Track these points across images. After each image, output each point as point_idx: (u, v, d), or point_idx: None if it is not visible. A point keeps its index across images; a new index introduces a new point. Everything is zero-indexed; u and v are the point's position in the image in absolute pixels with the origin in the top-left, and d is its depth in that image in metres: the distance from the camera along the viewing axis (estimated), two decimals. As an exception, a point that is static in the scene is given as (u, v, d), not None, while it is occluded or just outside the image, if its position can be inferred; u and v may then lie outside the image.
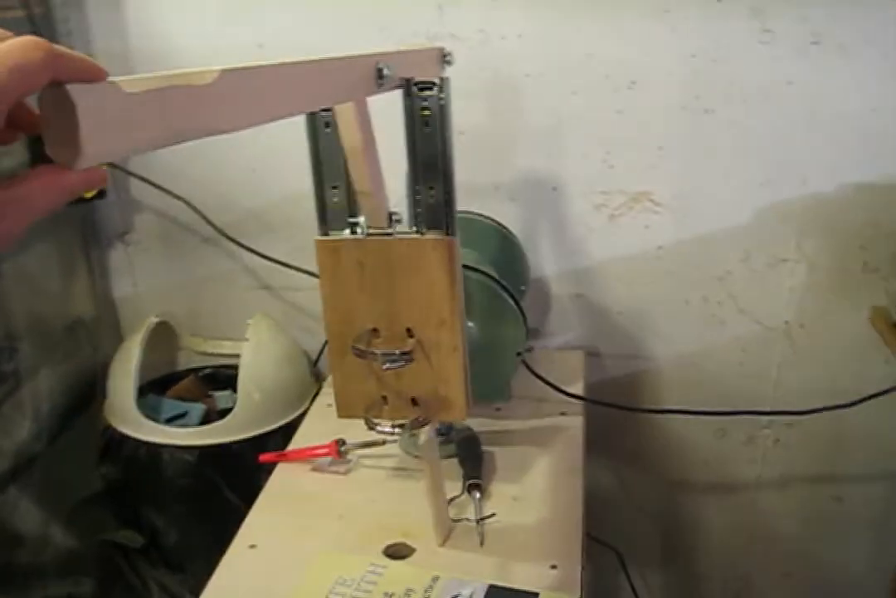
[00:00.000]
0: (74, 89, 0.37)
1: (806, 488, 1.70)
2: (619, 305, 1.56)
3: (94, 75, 0.39)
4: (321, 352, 1.59)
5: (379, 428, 0.98)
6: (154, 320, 1.59)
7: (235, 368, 1.51)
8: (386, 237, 0.91)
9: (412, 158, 0.88)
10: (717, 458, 1.69)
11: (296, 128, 1.50)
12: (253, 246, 1.56)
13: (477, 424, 1.27)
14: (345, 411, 1.00)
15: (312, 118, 0.90)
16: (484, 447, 1.21)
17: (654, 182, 1.46)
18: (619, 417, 1.57)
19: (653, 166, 1.45)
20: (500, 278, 1.24)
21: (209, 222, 1.54)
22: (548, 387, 1.35)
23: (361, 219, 0.92)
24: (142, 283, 1.68)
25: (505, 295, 1.22)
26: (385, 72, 0.74)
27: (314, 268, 1.49)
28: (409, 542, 1.05)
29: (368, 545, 1.04)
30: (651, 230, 1.50)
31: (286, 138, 1.48)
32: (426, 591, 0.95)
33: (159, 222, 1.62)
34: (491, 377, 1.26)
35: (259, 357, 1.50)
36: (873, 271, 1.48)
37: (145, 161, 1.53)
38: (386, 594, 0.95)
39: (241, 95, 0.49)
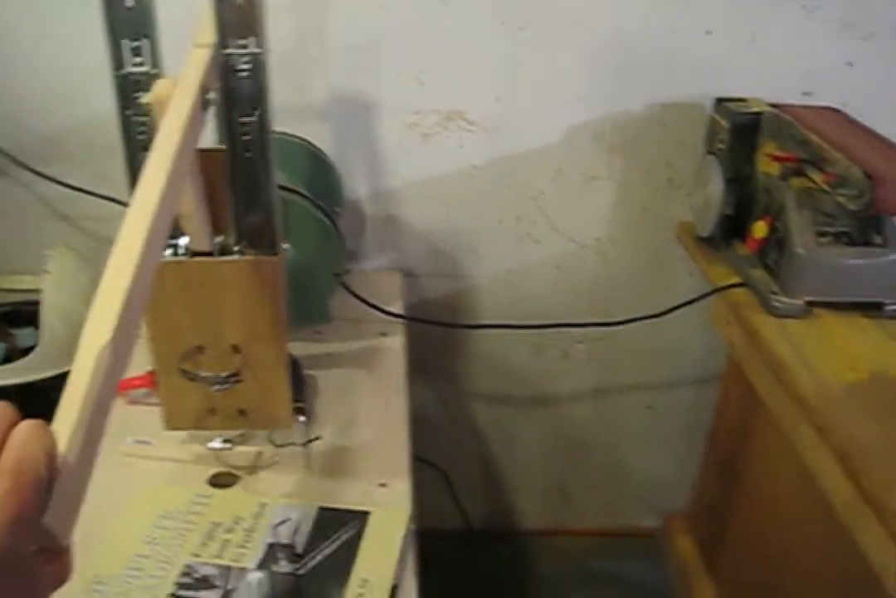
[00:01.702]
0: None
1: (619, 398, 1.77)
2: (435, 225, 1.56)
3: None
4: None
5: (210, 445, 1.03)
6: (-58, 255, 1.47)
7: (37, 304, 1.42)
8: (209, 258, 0.91)
9: (233, 182, 0.88)
10: (534, 373, 1.73)
11: (92, 51, 1.40)
12: (48, 173, 1.46)
13: (297, 348, 1.24)
14: (173, 424, 1.01)
15: (129, 141, 0.88)
16: (306, 371, 1.19)
17: (467, 101, 1.45)
18: (438, 336, 1.59)
19: (466, 85, 1.43)
20: (315, 199, 1.21)
21: (-1, 148, 1.43)
22: (366, 308, 1.34)
23: (184, 240, 0.91)
24: (-75, 216, 1.55)
25: (320, 215, 1.19)
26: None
27: (119, 196, 1.43)
28: (233, 470, 1.02)
29: (191, 476, 1.01)
30: (465, 150, 1.49)
31: (81, 58, 1.39)
32: (255, 518, 0.93)
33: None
34: (310, 299, 1.24)
35: (63, 290, 1.42)
36: (678, 187, 1.54)
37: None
38: (213, 523, 0.92)
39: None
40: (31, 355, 1.37)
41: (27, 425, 0.43)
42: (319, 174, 1.38)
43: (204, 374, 0.95)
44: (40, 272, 1.45)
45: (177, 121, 0.69)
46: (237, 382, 0.96)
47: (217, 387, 0.95)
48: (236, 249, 0.91)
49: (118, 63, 0.86)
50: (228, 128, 0.86)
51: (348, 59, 1.41)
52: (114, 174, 1.45)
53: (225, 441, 1.02)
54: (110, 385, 0.50)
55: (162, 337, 0.95)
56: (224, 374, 0.95)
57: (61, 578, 0.45)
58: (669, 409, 1.78)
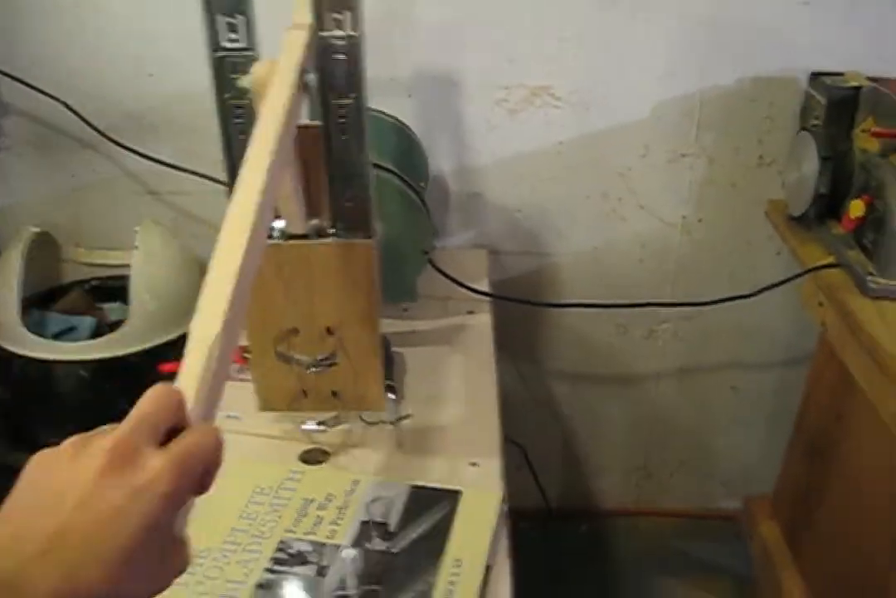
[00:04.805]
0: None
1: (703, 379, 1.75)
2: (520, 202, 1.54)
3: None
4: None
5: (304, 427, 1.02)
6: (33, 230, 1.50)
7: (125, 279, 1.44)
8: (304, 241, 0.92)
9: (329, 164, 0.89)
10: (619, 353, 1.71)
11: (181, 25, 1.40)
12: (136, 148, 1.47)
13: (385, 325, 1.23)
14: (267, 405, 1.03)
15: (226, 125, 0.89)
16: (393, 349, 1.19)
17: (554, 76, 1.43)
18: (522, 314, 1.58)
19: (553, 59, 1.41)
20: (403, 175, 1.20)
21: (89, 124, 1.44)
22: (453, 286, 1.33)
23: (279, 223, 0.92)
24: (17, 191, 1.57)
25: (409, 191, 1.18)
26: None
27: (205, 170, 1.44)
28: (325, 447, 1.03)
29: (282, 452, 1.02)
30: (551, 126, 1.47)
31: (169, 35, 1.40)
32: (347, 495, 0.93)
33: (32, 125, 1.50)
34: (398, 277, 1.24)
35: (150, 265, 1.43)
36: (769, 165, 1.50)
37: (12, 56, 1.41)
38: (306, 499, 0.93)
39: None
40: (121, 330, 1.40)
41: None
42: (406, 150, 1.38)
43: (298, 357, 0.97)
44: (128, 248, 1.47)
45: (278, 105, 0.69)
46: (331, 364, 0.97)
47: (312, 370, 0.97)
48: (331, 232, 0.93)
49: (214, 42, 0.87)
50: (325, 110, 0.86)
51: (436, 34, 1.40)
52: (199, 149, 1.47)
53: (319, 423, 1.02)
54: (221, 374, 0.51)
55: (258, 319, 0.96)
56: (319, 357, 0.97)
57: (181, 568, 0.47)
58: (755, 390, 1.75)
